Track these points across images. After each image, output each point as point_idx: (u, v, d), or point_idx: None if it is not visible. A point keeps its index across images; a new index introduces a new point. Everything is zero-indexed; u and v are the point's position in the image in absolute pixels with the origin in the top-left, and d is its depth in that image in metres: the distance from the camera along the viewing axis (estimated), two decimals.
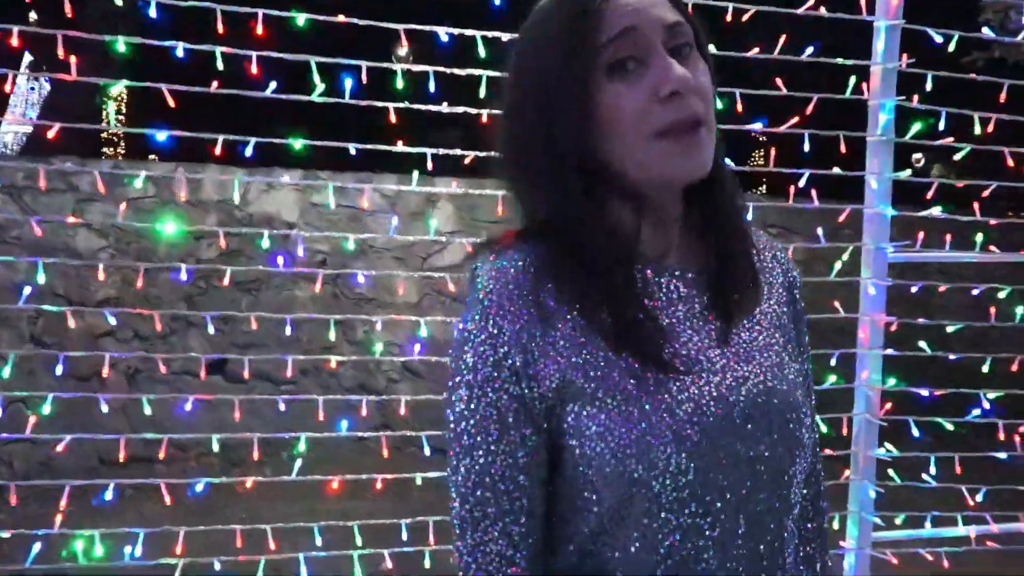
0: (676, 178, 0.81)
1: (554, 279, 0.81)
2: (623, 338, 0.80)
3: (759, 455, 0.80)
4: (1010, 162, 1.91)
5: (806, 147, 1.83)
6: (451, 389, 0.82)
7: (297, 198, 6.14)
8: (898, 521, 1.98)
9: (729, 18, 1.81)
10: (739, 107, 1.85)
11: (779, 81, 1.84)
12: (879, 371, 1.88)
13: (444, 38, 1.90)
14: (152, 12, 1.79)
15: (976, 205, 1.93)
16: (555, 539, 0.84)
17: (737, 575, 0.79)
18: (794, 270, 0.97)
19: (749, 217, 1.04)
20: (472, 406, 0.80)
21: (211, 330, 3.05)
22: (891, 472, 1.94)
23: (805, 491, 0.90)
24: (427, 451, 2.12)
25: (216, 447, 2.02)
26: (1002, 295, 1.97)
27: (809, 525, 0.93)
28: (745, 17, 1.77)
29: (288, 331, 2.42)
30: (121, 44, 1.87)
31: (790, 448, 0.82)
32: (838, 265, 1.88)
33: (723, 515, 0.78)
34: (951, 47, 1.87)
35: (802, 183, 1.90)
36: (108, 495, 1.94)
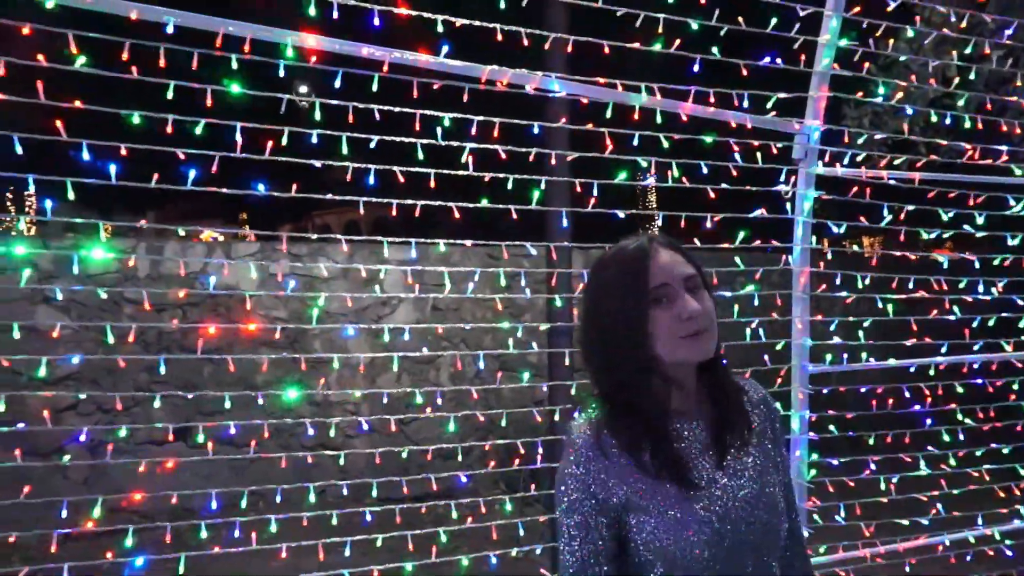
0: (689, 359, 1.27)
1: (613, 434, 1.25)
2: (661, 468, 1.22)
3: (751, 543, 1.22)
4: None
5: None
6: (559, 503, 1.24)
7: (255, 268, 6.44)
8: (821, 550, 2.88)
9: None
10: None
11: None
12: (806, 448, 2.77)
13: None
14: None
15: (860, 333, 2.88)
16: None
17: None
18: (773, 405, 1.40)
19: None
20: (571, 514, 1.23)
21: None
22: (815, 517, 2.83)
23: (788, 553, 1.32)
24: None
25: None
26: (880, 391, 2.91)
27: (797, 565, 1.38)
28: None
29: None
30: None
31: (771, 538, 1.25)
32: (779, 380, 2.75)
33: None
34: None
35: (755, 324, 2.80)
36: None
